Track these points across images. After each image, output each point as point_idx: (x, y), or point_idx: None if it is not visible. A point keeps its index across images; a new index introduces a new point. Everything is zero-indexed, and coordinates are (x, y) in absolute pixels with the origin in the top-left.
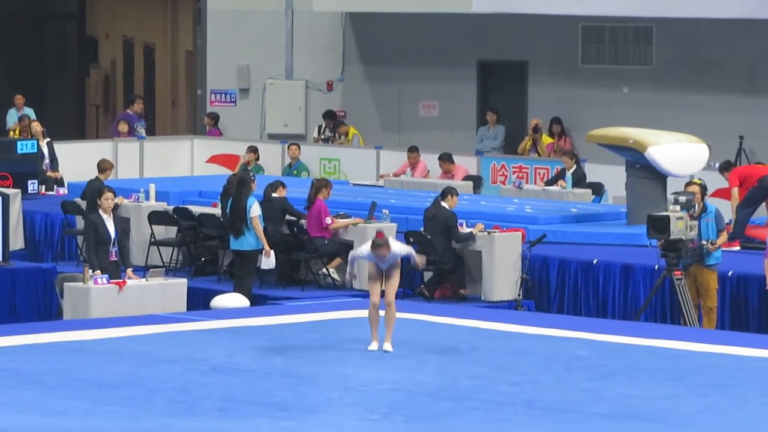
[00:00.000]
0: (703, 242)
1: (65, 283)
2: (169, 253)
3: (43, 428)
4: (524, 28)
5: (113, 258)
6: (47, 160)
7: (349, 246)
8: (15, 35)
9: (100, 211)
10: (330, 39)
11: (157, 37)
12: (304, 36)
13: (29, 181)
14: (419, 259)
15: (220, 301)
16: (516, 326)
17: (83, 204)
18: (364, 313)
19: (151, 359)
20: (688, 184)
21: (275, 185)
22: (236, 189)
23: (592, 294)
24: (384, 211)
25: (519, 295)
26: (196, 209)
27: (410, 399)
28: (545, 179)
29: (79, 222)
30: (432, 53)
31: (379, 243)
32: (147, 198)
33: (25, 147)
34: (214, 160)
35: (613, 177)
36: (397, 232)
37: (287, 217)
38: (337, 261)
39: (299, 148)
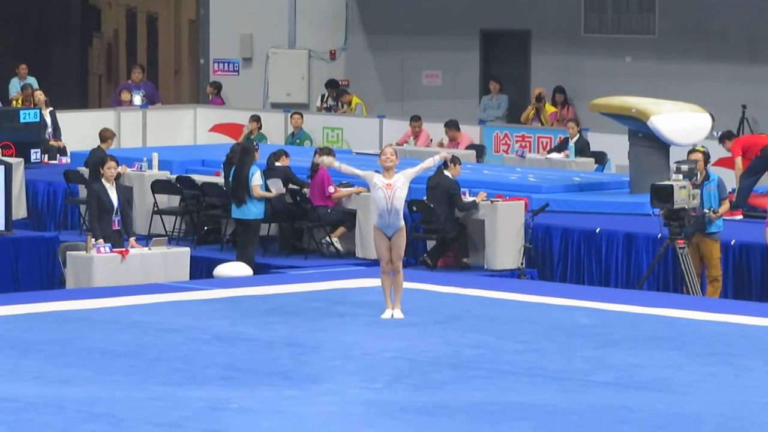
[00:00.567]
0: (705, 210)
1: (68, 252)
2: (171, 222)
3: (45, 397)
4: None
5: (116, 227)
6: (50, 129)
7: (352, 215)
8: (18, 4)
9: (103, 180)
10: (333, 8)
11: (160, 6)
12: (307, 5)
13: (32, 150)
14: (433, 161)
15: (223, 269)
16: (519, 295)
17: (86, 173)
18: (367, 281)
19: (153, 328)
20: (690, 152)
21: (278, 154)
22: (239, 158)
23: (594, 263)
24: None
25: (522, 263)
26: (199, 178)
27: (413, 367)
28: (548, 148)
29: (82, 191)
30: (435, 22)
31: (387, 148)
32: (150, 167)
33: (27, 116)
34: (217, 129)
35: (615, 146)
36: None
37: (290, 186)
38: (341, 230)
39: (302, 117)
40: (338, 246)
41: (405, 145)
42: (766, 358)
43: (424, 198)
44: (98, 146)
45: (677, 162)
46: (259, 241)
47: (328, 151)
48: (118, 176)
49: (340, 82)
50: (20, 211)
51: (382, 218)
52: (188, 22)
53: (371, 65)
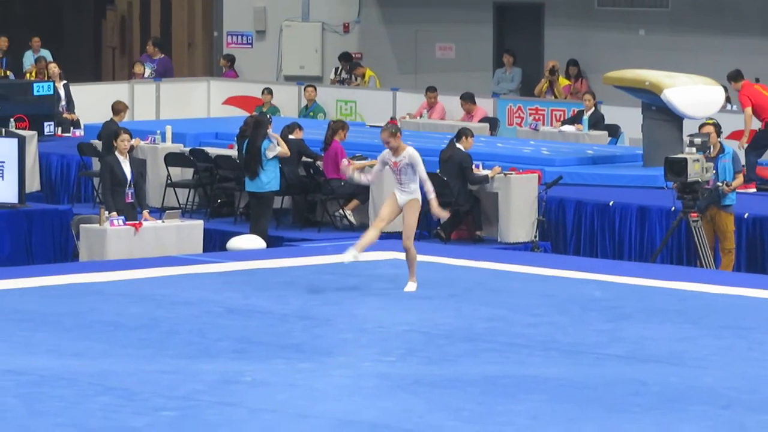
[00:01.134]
0: (719, 183)
1: (81, 225)
2: (185, 194)
3: (59, 370)
4: None
5: (129, 200)
6: (63, 102)
7: (366, 187)
8: None
9: (116, 152)
10: None
11: None
12: None
13: (45, 123)
14: (436, 205)
15: (236, 242)
16: (532, 268)
17: (99, 146)
18: (380, 254)
19: (167, 301)
20: (702, 126)
21: (292, 127)
22: (252, 130)
23: (608, 236)
24: None
25: (535, 236)
26: (213, 151)
27: (427, 340)
28: (562, 120)
29: (95, 164)
30: None
31: (385, 127)
32: (163, 140)
33: (41, 89)
34: (230, 101)
35: (629, 119)
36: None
37: (304, 158)
38: (354, 203)
39: (315, 90)
40: (351, 219)
41: (418, 117)
42: None
43: (437, 171)
44: (111, 119)
45: (690, 135)
46: (273, 214)
47: (342, 125)
48: (132, 149)
49: (353, 55)
50: (34, 184)
51: (396, 185)
52: None
53: (385, 38)
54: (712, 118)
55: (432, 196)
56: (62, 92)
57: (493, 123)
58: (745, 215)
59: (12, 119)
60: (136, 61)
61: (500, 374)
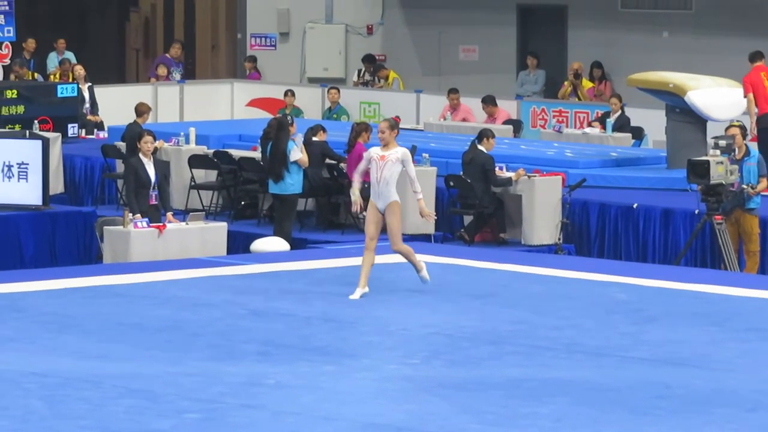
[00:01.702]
0: (743, 186)
1: (105, 227)
2: (209, 196)
3: (83, 372)
4: None
5: (153, 201)
6: (87, 105)
7: None
8: None
9: (140, 154)
10: None
11: None
12: None
13: (69, 125)
14: (422, 205)
15: (260, 244)
16: (556, 270)
17: (123, 147)
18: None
19: (191, 303)
20: (727, 128)
21: (315, 129)
22: (276, 133)
23: (632, 238)
24: (424, 155)
25: (559, 239)
26: (236, 153)
27: (451, 343)
28: (590, 120)
29: (119, 166)
30: None
31: (386, 119)
32: (187, 141)
33: (65, 91)
34: (254, 103)
35: (653, 121)
36: (437, 175)
37: (327, 161)
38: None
39: (339, 92)
40: None
41: (442, 120)
42: None
43: (461, 173)
44: (134, 121)
45: (715, 137)
46: (296, 216)
47: (365, 127)
48: (155, 151)
49: (377, 57)
50: (58, 186)
51: (373, 188)
52: None
53: (408, 40)
54: (738, 120)
55: (420, 196)
56: (86, 94)
57: (516, 125)
58: None
59: (36, 121)
60: (158, 64)
61: (524, 377)
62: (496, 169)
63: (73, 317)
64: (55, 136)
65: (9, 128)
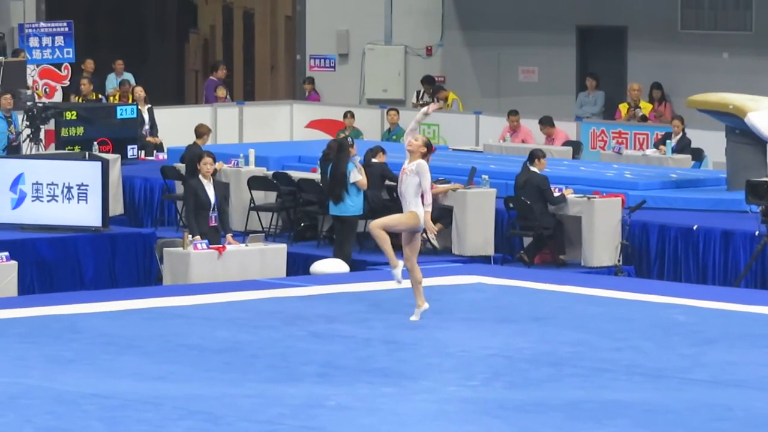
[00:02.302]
0: None
1: (165, 249)
2: (268, 218)
3: (142, 394)
4: None
5: (213, 223)
6: (147, 126)
7: (449, 211)
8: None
9: (200, 176)
10: (429, 4)
11: (257, 1)
12: (404, 1)
13: (129, 147)
14: (428, 219)
15: (320, 266)
16: (616, 292)
17: (182, 169)
18: (464, 278)
19: (250, 325)
20: None
21: (375, 151)
22: (335, 154)
23: (692, 260)
24: (483, 176)
25: (619, 260)
26: (296, 174)
27: (510, 365)
28: (654, 141)
29: (179, 187)
30: (531, 18)
31: (424, 136)
32: (246, 163)
33: (124, 112)
34: (313, 125)
35: (713, 142)
36: (496, 197)
37: (387, 182)
38: (437, 226)
39: (398, 113)
40: (435, 243)
41: (501, 142)
42: None
43: (518, 195)
44: (194, 142)
45: None
46: (356, 238)
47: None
48: (215, 172)
49: (436, 78)
50: (117, 208)
51: (401, 201)
52: (284, 18)
53: (467, 61)
54: None
55: (429, 209)
56: (146, 115)
57: (576, 146)
58: None
59: (95, 142)
60: (216, 86)
61: (584, 399)
62: (551, 188)
63: (133, 338)
64: (114, 158)
65: (69, 149)
